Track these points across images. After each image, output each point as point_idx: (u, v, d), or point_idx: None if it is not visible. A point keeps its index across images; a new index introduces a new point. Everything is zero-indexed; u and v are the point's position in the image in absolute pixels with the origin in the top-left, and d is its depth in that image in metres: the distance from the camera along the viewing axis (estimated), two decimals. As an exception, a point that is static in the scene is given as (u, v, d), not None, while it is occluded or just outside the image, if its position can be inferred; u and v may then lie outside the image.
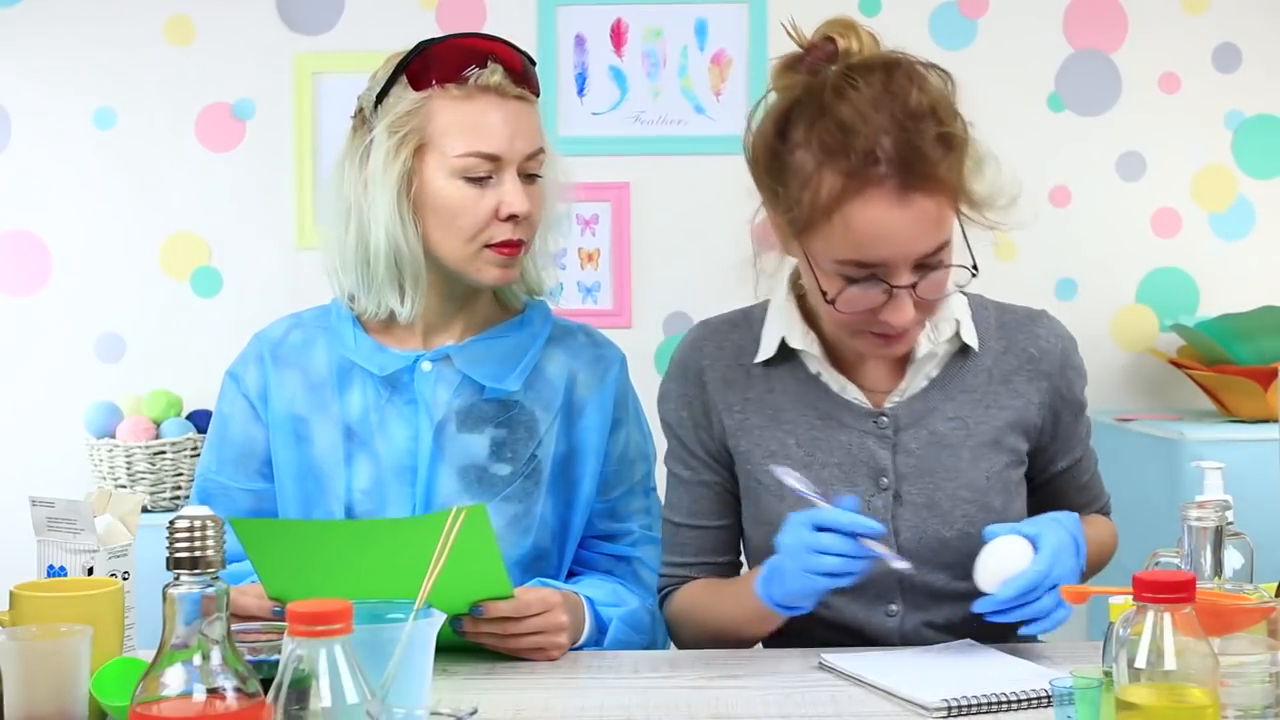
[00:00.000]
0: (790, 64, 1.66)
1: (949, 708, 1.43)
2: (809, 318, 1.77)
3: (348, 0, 3.25)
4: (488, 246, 1.77)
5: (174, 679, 1.04)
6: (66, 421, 3.19)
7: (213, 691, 1.04)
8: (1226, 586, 1.33)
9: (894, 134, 1.55)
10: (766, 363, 1.78)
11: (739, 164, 3.18)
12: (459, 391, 1.82)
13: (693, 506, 1.83)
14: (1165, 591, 1.11)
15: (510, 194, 1.76)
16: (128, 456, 3.01)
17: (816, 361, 1.76)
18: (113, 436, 3.05)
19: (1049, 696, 1.42)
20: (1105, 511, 1.94)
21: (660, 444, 1.94)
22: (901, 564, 1.58)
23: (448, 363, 1.83)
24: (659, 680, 1.58)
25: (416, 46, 1.80)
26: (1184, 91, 3.27)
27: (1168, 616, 1.11)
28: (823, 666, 1.61)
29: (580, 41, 3.25)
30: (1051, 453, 1.82)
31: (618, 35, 3.25)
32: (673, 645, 1.89)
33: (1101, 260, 3.29)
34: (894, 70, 1.59)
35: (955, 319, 1.75)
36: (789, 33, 1.66)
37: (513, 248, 1.78)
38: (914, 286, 1.60)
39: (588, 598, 1.77)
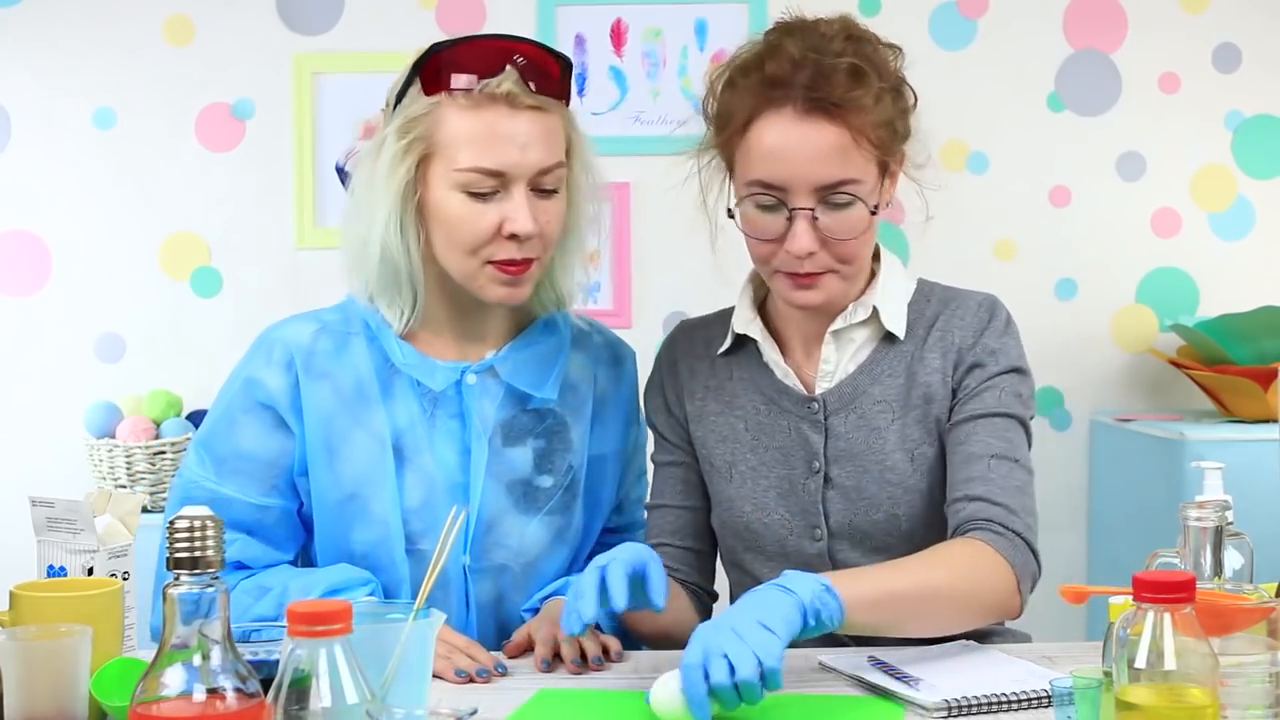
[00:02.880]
0: None
1: (949, 708, 1.43)
2: (761, 306, 1.81)
3: (348, 0, 3.24)
4: (490, 263, 1.70)
5: (174, 679, 1.04)
6: (66, 421, 3.18)
7: (213, 691, 1.04)
8: (1226, 586, 1.33)
9: (805, 60, 1.62)
10: (728, 353, 1.82)
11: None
12: (503, 404, 1.78)
13: (661, 487, 1.85)
14: (1165, 591, 1.11)
15: (513, 211, 1.68)
16: (128, 456, 3.01)
17: (763, 346, 1.78)
18: (113, 436, 3.05)
19: (1049, 696, 1.42)
20: (997, 528, 1.62)
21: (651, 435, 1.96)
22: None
23: (490, 374, 1.78)
24: (659, 680, 1.58)
25: (431, 47, 1.71)
26: (1184, 91, 3.27)
27: (1168, 616, 1.11)
28: (823, 667, 1.61)
29: (580, 41, 3.25)
30: (950, 410, 1.73)
31: (618, 35, 3.25)
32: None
33: (1101, 260, 3.29)
34: (821, 23, 1.67)
35: (873, 304, 1.74)
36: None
37: (517, 266, 1.70)
38: (816, 220, 1.63)
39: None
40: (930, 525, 1.73)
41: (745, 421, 1.79)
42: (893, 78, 1.67)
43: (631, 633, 1.75)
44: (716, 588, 1.88)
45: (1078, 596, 1.45)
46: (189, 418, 3.11)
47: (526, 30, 3.16)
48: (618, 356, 1.90)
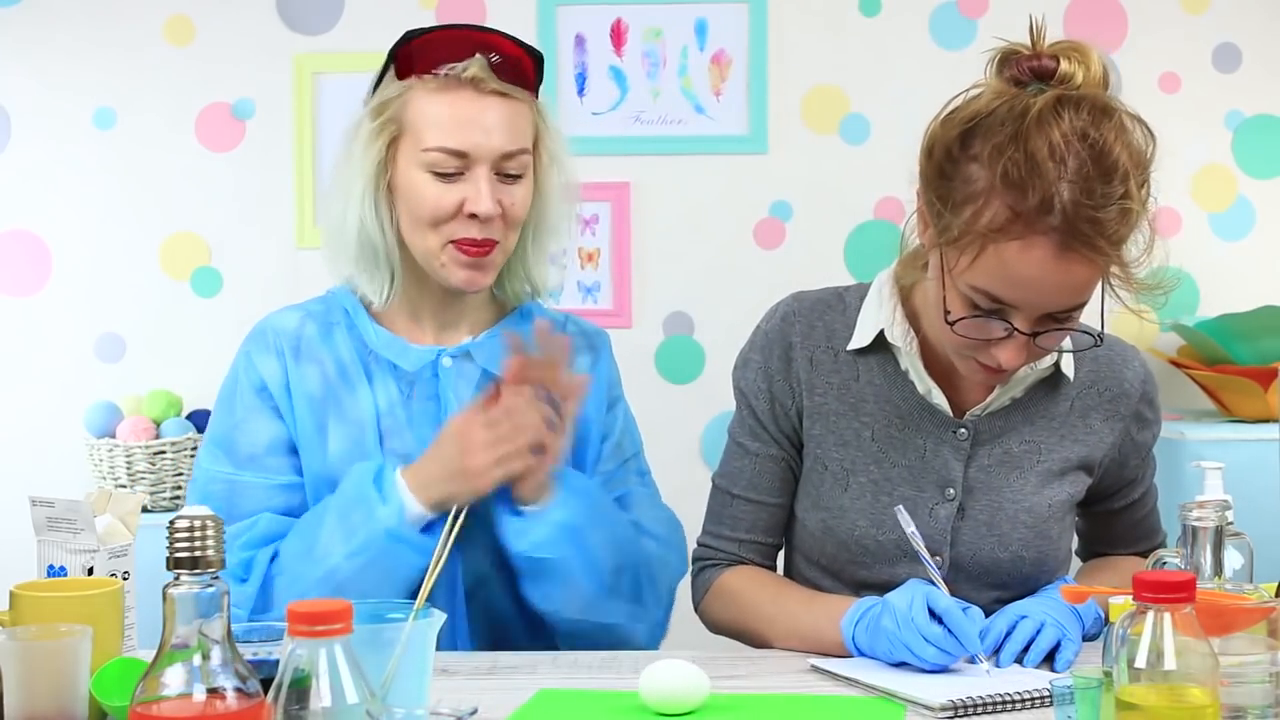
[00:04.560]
0: (1004, 59, 1.61)
1: (955, 708, 1.43)
2: (910, 314, 1.73)
3: (348, 0, 3.24)
4: (452, 243, 1.75)
5: (174, 679, 1.04)
6: (66, 421, 3.18)
7: (213, 691, 1.04)
8: (1226, 586, 1.33)
9: (1078, 188, 1.47)
10: (856, 350, 1.75)
11: (739, 164, 3.21)
12: (479, 388, 1.80)
13: (754, 480, 1.80)
14: (1165, 591, 1.11)
15: (475, 191, 1.73)
16: (128, 456, 3.01)
17: (908, 359, 1.72)
18: (113, 436, 3.05)
19: (1049, 696, 1.43)
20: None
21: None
22: (985, 665, 1.57)
23: (466, 359, 1.82)
24: (659, 680, 1.58)
25: (405, 34, 1.78)
26: (1184, 91, 3.26)
27: (1168, 616, 1.11)
28: (814, 670, 1.61)
29: (580, 41, 3.25)
30: (1109, 491, 1.82)
31: (618, 35, 3.25)
32: (701, 618, 1.86)
33: (1101, 260, 3.28)
34: (1102, 118, 1.52)
35: (1058, 349, 1.71)
36: (1031, 31, 1.60)
37: (479, 247, 1.75)
38: (1034, 336, 1.56)
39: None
40: (1043, 569, 1.75)
41: (872, 431, 1.73)
42: (1146, 182, 1.53)
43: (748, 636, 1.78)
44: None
45: (1078, 596, 1.45)
46: (189, 417, 3.11)
47: (527, 30, 3.16)
48: (593, 344, 1.91)
